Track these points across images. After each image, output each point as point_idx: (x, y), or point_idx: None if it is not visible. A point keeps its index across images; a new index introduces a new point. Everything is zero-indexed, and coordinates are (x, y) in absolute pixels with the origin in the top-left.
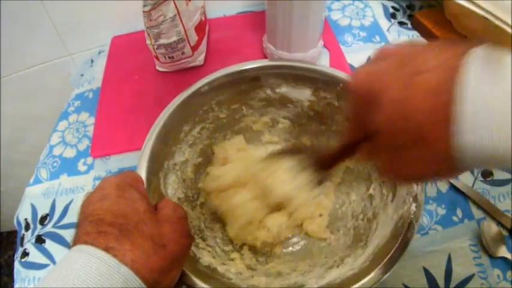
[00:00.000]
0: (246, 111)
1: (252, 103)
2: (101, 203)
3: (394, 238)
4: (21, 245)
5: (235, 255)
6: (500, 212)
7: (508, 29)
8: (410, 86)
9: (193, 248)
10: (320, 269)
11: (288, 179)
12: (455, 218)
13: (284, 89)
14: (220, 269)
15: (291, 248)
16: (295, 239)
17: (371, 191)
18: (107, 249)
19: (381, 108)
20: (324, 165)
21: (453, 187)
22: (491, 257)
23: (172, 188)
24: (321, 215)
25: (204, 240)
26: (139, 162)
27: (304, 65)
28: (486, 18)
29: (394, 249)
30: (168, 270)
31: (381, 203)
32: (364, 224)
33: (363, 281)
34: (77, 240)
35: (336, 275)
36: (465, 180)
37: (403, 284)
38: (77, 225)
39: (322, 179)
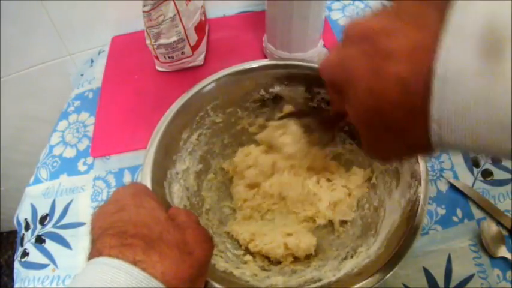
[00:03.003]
0: (241, 113)
1: (246, 105)
2: (119, 215)
3: (404, 222)
4: (21, 245)
5: (247, 258)
6: (500, 212)
7: None
8: (379, 75)
9: None
10: (334, 262)
11: (292, 141)
12: (455, 218)
13: (277, 88)
14: (236, 272)
15: None
16: None
17: (373, 180)
18: (135, 263)
19: (352, 99)
20: (326, 126)
21: (453, 187)
22: (491, 257)
23: (178, 196)
24: (350, 195)
25: (215, 246)
26: (142, 173)
27: (294, 63)
28: None
29: (407, 232)
30: (197, 278)
31: (385, 191)
32: (371, 212)
33: (380, 272)
34: (97, 254)
35: (351, 265)
36: (465, 180)
37: (403, 284)
38: (94, 240)
39: (326, 140)
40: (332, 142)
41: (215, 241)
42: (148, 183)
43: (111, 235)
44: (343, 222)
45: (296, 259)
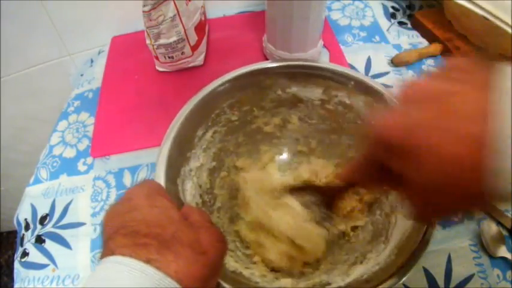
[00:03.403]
0: (257, 112)
1: (262, 104)
2: (131, 214)
3: (416, 230)
4: (21, 245)
5: (256, 258)
6: (500, 212)
7: (508, 29)
8: (458, 138)
9: None
10: (343, 266)
11: (290, 218)
12: (455, 218)
13: (294, 89)
14: (246, 272)
15: None
16: None
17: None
18: (148, 261)
19: (422, 164)
20: (327, 202)
21: None
22: (491, 257)
23: (190, 194)
24: (361, 200)
25: None
26: (156, 170)
27: (313, 64)
28: (486, 18)
29: (418, 241)
30: (210, 278)
31: (397, 198)
32: (383, 219)
33: (392, 279)
34: (109, 254)
35: (361, 271)
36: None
37: (403, 284)
38: (106, 239)
39: (324, 217)
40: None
41: (226, 240)
42: (161, 181)
43: (124, 234)
44: (354, 227)
45: (305, 263)
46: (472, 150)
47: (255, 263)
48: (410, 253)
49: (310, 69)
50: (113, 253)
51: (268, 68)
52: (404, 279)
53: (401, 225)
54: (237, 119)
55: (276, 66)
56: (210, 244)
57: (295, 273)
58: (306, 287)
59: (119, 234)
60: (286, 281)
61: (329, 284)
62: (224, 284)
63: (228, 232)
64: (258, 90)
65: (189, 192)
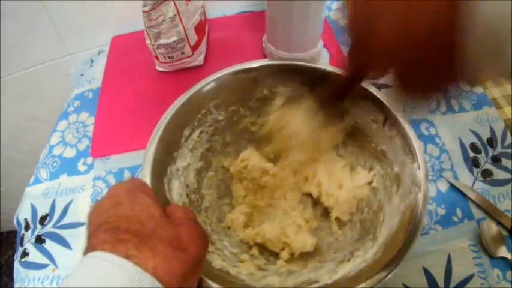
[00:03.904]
0: (243, 112)
1: (249, 104)
2: (114, 210)
3: (402, 227)
4: (21, 245)
5: (244, 256)
6: (500, 212)
7: None
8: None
9: None
10: (331, 264)
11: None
12: (455, 218)
13: (281, 89)
14: (232, 271)
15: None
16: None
17: (374, 184)
18: (127, 257)
19: (384, 33)
20: (334, 99)
21: (453, 187)
22: (491, 257)
23: (177, 193)
24: (341, 186)
25: (212, 244)
26: (142, 169)
27: (296, 63)
28: None
29: (405, 237)
30: (190, 275)
31: (385, 195)
32: (370, 216)
33: (378, 274)
34: (91, 250)
35: (348, 268)
36: (465, 180)
37: (403, 284)
38: (89, 235)
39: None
40: (342, 119)
41: (213, 239)
42: (148, 180)
43: (105, 230)
44: (341, 225)
45: (293, 257)
46: (425, 16)
47: (242, 261)
48: (397, 249)
49: (295, 68)
50: (94, 249)
51: (253, 67)
52: (390, 276)
53: (389, 222)
54: (224, 119)
55: (261, 66)
56: (190, 241)
57: (283, 272)
58: (293, 285)
59: (101, 230)
60: (274, 279)
61: (316, 281)
62: (209, 282)
63: (217, 231)
64: (244, 90)
65: (176, 191)
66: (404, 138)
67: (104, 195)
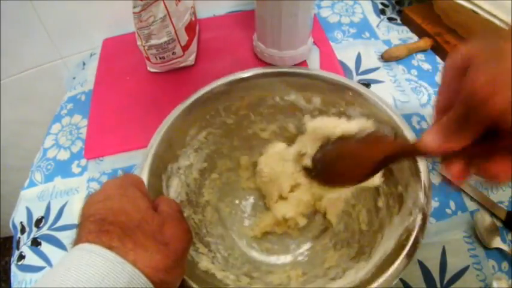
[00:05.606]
0: (254, 118)
1: (260, 110)
2: (103, 203)
3: (397, 251)
4: (17, 248)
5: (235, 261)
6: (494, 203)
7: (496, 21)
8: None
9: (192, 253)
10: (321, 280)
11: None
12: (448, 211)
13: (293, 97)
14: (219, 275)
15: (295, 257)
16: (300, 249)
17: (379, 203)
18: (110, 248)
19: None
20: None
21: (446, 180)
22: (486, 248)
23: (175, 191)
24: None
25: (205, 246)
26: (142, 163)
27: (311, 72)
28: (475, 12)
29: (397, 262)
30: (172, 268)
31: (387, 215)
32: (370, 236)
33: None
34: (78, 240)
35: (337, 285)
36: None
37: (399, 278)
38: (78, 227)
39: None
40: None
41: (207, 240)
42: (145, 175)
43: (92, 222)
44: (337, 245)
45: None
46: None
47: (232, 266)
48: (387, 274)
49: (309, 77)
50: (81, 239)
51: (267, 73)
52: None
53: (386, 244)
54: (233, 123)
55: (275, 72)
56: (173, 235)
57: (271, 284)
58: None
59: (88, 222)
60: None
61: None
62: (191, 283)
63: (212, 234)
64: (256, 96)
65: (174, 189)
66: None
67: (97, 189)
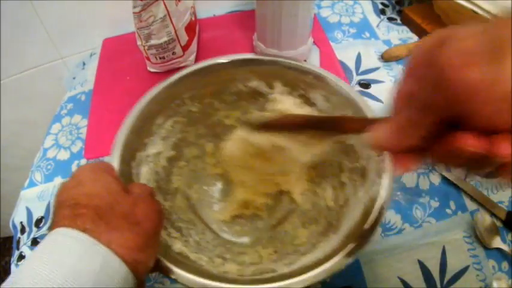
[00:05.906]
0: (218, 105)
1: (223, 97)
2: (76, 189)
3: (364, 220)
4: (18, 248)
5: (207, 245)
6: (494, 203)
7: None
8: None
9: (165, 237)
10: (292, 256)
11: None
12: (448, 211)
13: (255, 83)
14: (192, 256)
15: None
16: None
17: (343, 178)
18: (84, 231)
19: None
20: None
21: (446, 179)
22: (486, 248)
23: (145, 178)
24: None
25: (177, 230)
26: (112, 152)
27: (272, 59)
28: (475, 12)
29: (364, 230)
30: (144, 247)
31: (352, 189)
32: (337, 211)
33: (332, 261)
34: (54, 226)
35: (307, 260)
36: (457, 172)
37: (398, 277)
38: (53, 213)
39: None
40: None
41: (178, 226)
42: (116, 162)
43: (66, 207)
44: (305, 223)
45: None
46: None
47: (205, 248)
48: (355, 238)
49: (270, 64)
50: (57, 225)
51: (228, 61)
52: (347, 263)
53: (353, 215)
54: (198, 111)
55: (236, 60)
56: (144, 215)
57: (243, 262)
58: (251, 273)
59: (63, 207)
60: (231, 267)
61: (274, 271)
62: (165, 262)
63: (183, 219)
64: (218, 83)
65: (144, 176)
66: None
67: (69, 176)
